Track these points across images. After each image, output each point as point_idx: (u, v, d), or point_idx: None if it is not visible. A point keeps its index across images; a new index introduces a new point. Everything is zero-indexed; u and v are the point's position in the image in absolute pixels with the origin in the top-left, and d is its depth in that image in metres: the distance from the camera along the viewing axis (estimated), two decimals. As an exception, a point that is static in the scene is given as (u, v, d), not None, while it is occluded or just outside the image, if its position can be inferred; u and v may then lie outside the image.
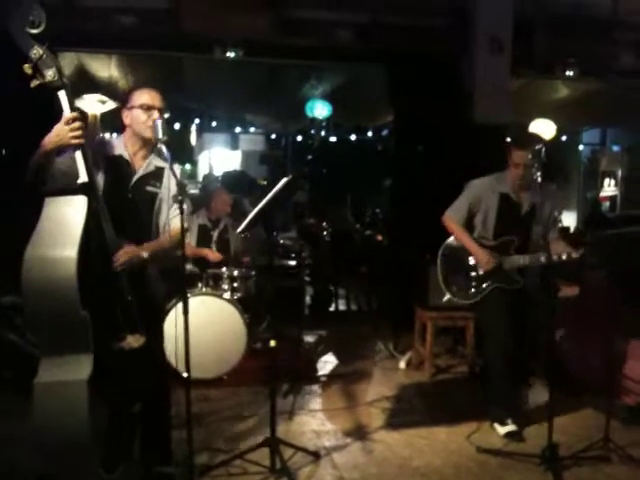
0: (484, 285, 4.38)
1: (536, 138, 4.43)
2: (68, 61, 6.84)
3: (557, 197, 4.56)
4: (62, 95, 2.74)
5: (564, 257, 4.07)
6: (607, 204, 12.29)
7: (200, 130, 13.75)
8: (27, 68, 2.67)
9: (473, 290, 4.42)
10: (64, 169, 2.84)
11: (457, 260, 4.50)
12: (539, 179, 3.81)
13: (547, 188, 4.19)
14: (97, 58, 7.14)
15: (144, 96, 3.16)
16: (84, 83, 7.35)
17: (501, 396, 4.30)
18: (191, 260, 5.75)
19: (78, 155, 2.78)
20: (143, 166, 3.22)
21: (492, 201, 4.39)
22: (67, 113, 2.73)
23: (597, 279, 5.09)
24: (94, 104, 7.76)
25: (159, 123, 2.96)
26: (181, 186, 3.00)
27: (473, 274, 4.43)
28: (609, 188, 12.47)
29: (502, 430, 4.21)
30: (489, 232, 4.42)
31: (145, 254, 3.06)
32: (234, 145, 15.75)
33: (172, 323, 3.04)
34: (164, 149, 2.95)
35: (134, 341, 2.84)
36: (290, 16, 6.71)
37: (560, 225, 4.54)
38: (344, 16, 6.87)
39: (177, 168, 3.36)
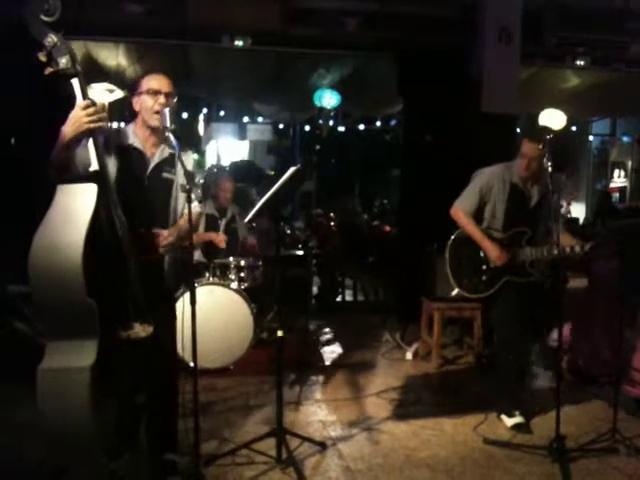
0: (495, 279, 4.26)
1: (548, 131, 4.37)
2: (75, 49, 6.80)
3: (566, 188, 4.51)
4: (75, 83, 2.73)
5: (577, 249, 4.00)
6: (617, 195, 12.22)
7: (208, 120, 13.74)
8: (41, 56, 2.66)
9: (483, 284, 4.30)
10: (83, 160, 2.83)
11: (466, 253, 4.36)
12: (550, 169, 3.74)
13: (557, 179, 4.14)
14: (105, 46, 7.11)
15: (152, 81, 3.15)
16: (92, 72, 7.33)
17: (509, 388, 4.27)
18: (199, 249, 5.77)
19: (90, 143, 2.77)
20: (157, 153, 3.20)
21: (502, 191, 4.30)
22: (80, 101, 2.72)
23: (606, 270, 5.05)
24: (102, 93, 7.74)
25: (166, 111, 2.95)
26: (189, 175, 2.99)
27: (483, 267, 4.31)
28: (619, 179, 12.41)
29: (509, 422, 4.19)
30: (498, 223, 4.32)
31: (172, 238, 3.09)
32: (242, 135, 15.72)
33: (179, 313, 3.04)
34: (172, 138, 2.94)
35: (142, 330, 2.83)
36: (299, 5, 6.68)
37: (569, 216, 4.50)
38: (353, 5, 6.85)
39: (190, 156, 3.37)
